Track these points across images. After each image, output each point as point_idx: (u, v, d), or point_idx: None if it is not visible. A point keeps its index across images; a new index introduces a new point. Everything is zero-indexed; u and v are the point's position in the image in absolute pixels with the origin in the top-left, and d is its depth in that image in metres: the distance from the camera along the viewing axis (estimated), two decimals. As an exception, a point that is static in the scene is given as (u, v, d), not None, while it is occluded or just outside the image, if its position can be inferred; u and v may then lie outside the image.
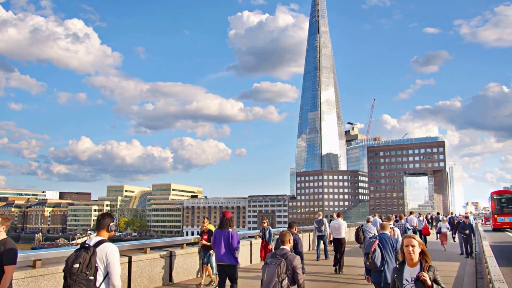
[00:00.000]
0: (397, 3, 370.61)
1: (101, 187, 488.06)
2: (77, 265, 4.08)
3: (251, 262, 13.93)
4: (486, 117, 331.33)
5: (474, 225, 21.17)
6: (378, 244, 6.64)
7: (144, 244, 10.15)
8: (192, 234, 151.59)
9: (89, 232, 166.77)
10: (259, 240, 14.01)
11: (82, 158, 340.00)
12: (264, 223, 13.75)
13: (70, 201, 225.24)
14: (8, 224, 5.17)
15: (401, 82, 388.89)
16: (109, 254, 4.21)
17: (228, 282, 7.87)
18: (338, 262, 12.84)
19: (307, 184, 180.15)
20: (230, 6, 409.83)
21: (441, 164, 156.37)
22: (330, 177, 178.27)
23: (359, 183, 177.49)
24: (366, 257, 6.80)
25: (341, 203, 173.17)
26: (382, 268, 6.52)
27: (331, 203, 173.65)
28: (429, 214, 38.47)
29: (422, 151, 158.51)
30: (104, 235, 4.47)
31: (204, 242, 10.35)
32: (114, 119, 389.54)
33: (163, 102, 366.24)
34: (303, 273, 5.53)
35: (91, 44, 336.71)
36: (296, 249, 7.72)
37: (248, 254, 13.98)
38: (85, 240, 4.46)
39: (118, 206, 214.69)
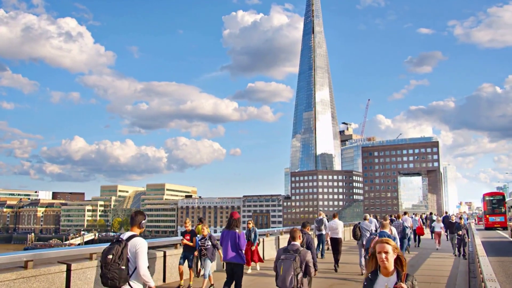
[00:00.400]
0: (392, 4, 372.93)
1: (94, 187, 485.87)
2: (110, 256, 4.68)
3: (223, 267, 12.69)
4: (480, 117, 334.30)
5: (467, 225, 21.28)
6: None
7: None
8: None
9: (82, 232, 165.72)
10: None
11: (75, 158, 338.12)
12: (250, 224, 13.20)
13: (63, 201, 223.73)
14: None
15: (395, 82, 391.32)
16: (138, 247, 4.77)
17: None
18: (335, 260, 13.40)
19: (301, 184, 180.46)
20: (225, 5, 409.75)
21: (435, 164, 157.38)
22: (325, 177, 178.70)
23: (354, 183, 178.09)
24: (366, 252, 7.38)
25: (335, 203, 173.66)
26: None
27: (325, 203, 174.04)
28: (423, 214, 39.50)
29: (416, 151, 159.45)
30: (136, 230, 5.04)
31: (185, 241, 10.15)
32: (108, 118, 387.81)
33: (157, 102, 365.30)
34: (315, 270, 6.37)
35: (84, 43, 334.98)
36: (310, 247, 8.12)
37: (218, 258, 13.05)
38: (119, 234, 5.10)
39: (111, 206, 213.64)
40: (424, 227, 25.61)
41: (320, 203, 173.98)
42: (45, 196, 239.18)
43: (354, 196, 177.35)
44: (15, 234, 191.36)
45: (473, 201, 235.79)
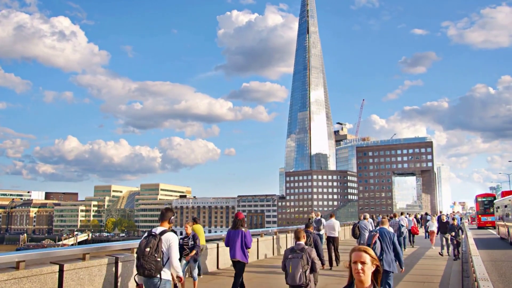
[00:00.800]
0: (386, 4, 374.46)
1: (88, 187, 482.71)
2: (148, 249, 5.35)
3: (217, 267, 12.83)
4: (473, 118, 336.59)
5: (461, 225, 21.36)
6: (378, 237, 7.66)
7: (132, 244, 10.05)
8: (181, 234, 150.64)
9: (75, 232, 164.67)
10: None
11: (69, 158, 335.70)
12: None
13: (56, 202, 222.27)
14: None
15: (390, 82, 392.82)
16: (171, 241, 5.51)
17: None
18: (331, 257, 13.91)
19: (296, 184, 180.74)
20: (219, 5, 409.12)
21: (429, 164, 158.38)
22: (319, 177, 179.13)
23: (348, 183, 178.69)
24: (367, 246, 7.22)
25: (330, 203, 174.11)
26: (381, 258, 7.50)
27: (320, 203, 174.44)
28: (418, 214, 40.87)
29: (411, 151, 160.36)
30: (166, 225, 5.75)
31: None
32: (102, 118, 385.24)
33: (151, 102, 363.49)
34: (322, 264, 7.31)
35: (78, 42, 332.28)
36: (317, 246, 8.65)
37: (215, 259, 12.83)
38: (151, 230, 5.71)
39: (105, 206, 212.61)
40: (418, 226, 26.06)
41: (315, 203, 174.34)
42: (38, 196, 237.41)
43: (349, 196, 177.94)
44: (7, 234, 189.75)
45: (466, 201, 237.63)
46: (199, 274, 10.84)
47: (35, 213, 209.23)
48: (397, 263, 7.86)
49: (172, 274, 5.60)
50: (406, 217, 22.74)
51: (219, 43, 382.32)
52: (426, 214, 37.50)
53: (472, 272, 9.81)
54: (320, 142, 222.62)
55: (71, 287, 7.77)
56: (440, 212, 33.09)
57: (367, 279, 2.91)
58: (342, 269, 13.11)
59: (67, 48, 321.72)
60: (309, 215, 18.47)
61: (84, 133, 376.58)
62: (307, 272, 6.08)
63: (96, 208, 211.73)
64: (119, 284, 8.97)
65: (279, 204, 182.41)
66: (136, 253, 5.62)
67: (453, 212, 65.73)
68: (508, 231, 22.88)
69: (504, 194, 30.86)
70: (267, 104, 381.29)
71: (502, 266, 14.61)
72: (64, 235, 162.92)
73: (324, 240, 15.72)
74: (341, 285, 10.82)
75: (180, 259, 9.14)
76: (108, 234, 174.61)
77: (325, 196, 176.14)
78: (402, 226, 17.80)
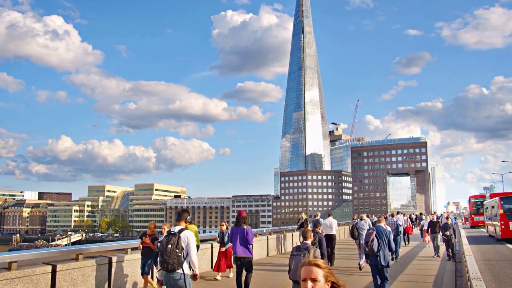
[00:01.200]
0: (380, 5, 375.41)
1: (82, 187, 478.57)
2: (170, 246, 5.99)
3: (212, 268, 12.53)
4: (467, 118, 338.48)
5: (455, 225, 21.49)
6: (375, 234, 8.14)
7: (126, 244, 10.03)
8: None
9: (69, 233, 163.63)
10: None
11: (62, 158, 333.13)
12: (223, 225, 12.25)
13: (50, 202, 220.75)
14: None
15: (384, 83, 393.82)
16: (189, 238, 6.13)
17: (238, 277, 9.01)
18: (329, 256, 14.18)
19: (291, 184, 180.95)
20: (214, 5, 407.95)
21: (423, 164, 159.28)
22: (314, 177, 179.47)
23: (343, 183, 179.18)
24: (366, 245, 8.28)
25: (325, 203, 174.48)
26: (378, 253, 8.04)
27: (315, 203, 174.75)
28: (412, 214, 42.11)
29: (405, 151, 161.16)
30: (183, 224, 6.44)
31: (145, 244, 9.28)
32: (95, 118, 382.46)
33: (145, 101, 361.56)
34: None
35: (71, 42, 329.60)
36: (321, 245, 9.13)
37: (209, 259, 12.75)
38: (170, 229, 6.40)
39: (99, 207, 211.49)
40: (413, 226, 26.47)
41: (310, 203, 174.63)
42: (31, 196, 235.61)
43: (343, 196, 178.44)
44: None
45: (460, 201, 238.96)
46: None
47: (28, 213, 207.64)
48: (392, 257, 8.50)
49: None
50: (401, 216, 23.39)
51: (213, 43, 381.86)
52: (421, 214, 38.32)
53: (465, 272, 9.87)
54: (315, 142, 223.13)
55: (64, 288, 7.72)
56: (434, 212, 33.83)
57: None
58: (345, 267, 13.58)
59: (60, 47, 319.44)
60: (299, 215, 18.57)
61: (78, 133, 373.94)
62: None
63: (90, 208, 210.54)
64: (112, 284, 8.92)
65: (274, 204, 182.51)
66: (159, 250, 6.25)
67: (447, 212, 66.27)
68: (495, 229, 25.56)
69: (492, 196, 32.51)
70: (262, 104, 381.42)
71: (495, 266, 14.71)
72: (58, 235, 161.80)
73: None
74: (346, 280, 11.02)
75: (156, 263, 8.66)
76: (102, 234, 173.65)
77: (320, 196, 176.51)
78: (400, 225, 18.52)
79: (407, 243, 22.19)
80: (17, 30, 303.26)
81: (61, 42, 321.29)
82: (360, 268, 13.09)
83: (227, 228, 12.11)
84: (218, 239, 12.15)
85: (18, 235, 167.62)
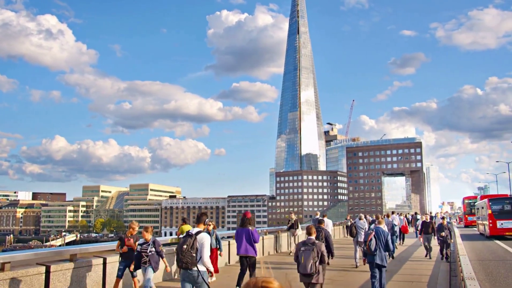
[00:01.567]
0: (375, 6, 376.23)
1: (76, 187, 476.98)
2: (185, 246, 6.40)
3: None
4: (461, 118, 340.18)
5: (450, 225, 21.49)
6: (374, 235, 8.57)
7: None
8: (171, 234, 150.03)
9: (63, 233, 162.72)
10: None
11: (56, 158, 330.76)
12: (210, 225, 11.21)
13: (44, 202, 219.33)
14: None
15: (379, 83, 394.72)
16: (204, 240, 6.49)
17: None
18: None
19: (286, 184, 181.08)
20: (209, 5, 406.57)
21: (418, 164, 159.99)
22: (310, 177, 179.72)
23: (338, 183, 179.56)
24: (364, 244, 8.78)
25: (320, 203, 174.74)
26: (375, 253, 8.46)
27: (310, 203, 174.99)
28: (407, 214, 43.47)
29: (400, 151, 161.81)
30: (201, 227, 6.84)
31: (127, 246, 8.67)
32: (90, 118, 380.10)
33: (140, 101, 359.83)
34: (332, 256, 9.00)
35: (65, 41, 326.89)
36: (328, 241, 9.58)
37: None
38: (189, 230, 6.76)
39: (94, 207, 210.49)
40: (408, 226, 26.82)
41: (305, 203, 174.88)
42: (24, 196, 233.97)
43: (339, 196, 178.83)
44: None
45: (455, 201, 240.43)
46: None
47: (21, 214, 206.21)
48: (389, 256, 9.04)
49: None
50: (396, 216, 23.65)
51: (208, 43, 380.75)
52: (416, 213, 38.86)
53: (459, 272, 9.92)
54: (310, 143, 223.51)
55: (58, 289, 7.67)
56: (430, 212, 34.50)
57: None
58: (342, 265, 13.79)
59: (54, 46, 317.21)
60: (289, 216, 18.59)
61: (72, 132, 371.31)
62: (317, 263, 7.02)
63: (84, 209, 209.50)
64: (107, 284, 8.88)
65: (269, 204, 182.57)
66: (176, 249, 6.74)
67: (442, 212, 66.74)
68: (484, 228, 28.20)
69: (482, 197, 35.15)
70: (257, 104, 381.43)
71: (489, 266, 14.81)
72: (52, 236, 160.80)
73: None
74: (344, 276, 11.39)
75: (137, 268, 8.49)
76: (97, 234, 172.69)
77: (315, 196, 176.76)
78: (395, 225, 19.03)
79: (402, 242, 22.39)
80: (10, 29, 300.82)
81: (55, 42, 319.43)
82: (356, 265, 13.79)
83: (214, 227, 11.36)
84: None
85: (11, 235, 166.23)
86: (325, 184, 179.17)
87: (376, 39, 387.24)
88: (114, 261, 9.12)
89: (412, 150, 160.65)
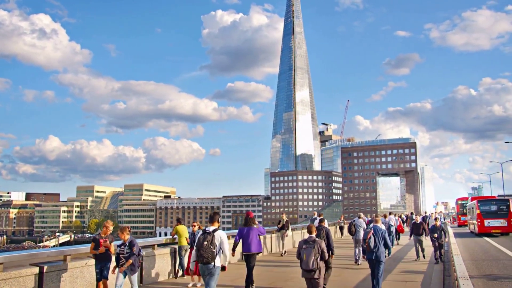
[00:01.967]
0: (370, 6, 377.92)
1: (70, 187, 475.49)
2: (205, 242, 6.98)
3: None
4: (455, 119, 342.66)
5: (443, 226, 21.52)
6: (372, 233, 9.10)
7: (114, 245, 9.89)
8: (166, 235, 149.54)
9: (57, 234, 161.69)
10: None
11: (50, 158, 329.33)
12: (195, 226, 10.90)
13: (38, 202, 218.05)
14: None
15: (374, 83, 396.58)
16: (222, 237, 7.16)
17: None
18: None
19: (281, 184, 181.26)
20: (204, 5, 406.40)
21: (413, 164, 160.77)
22: (305, 177, 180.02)
23: (333, 183, 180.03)
24: (363, 242, 9.25)
25: (315, 203, 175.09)
26: (374, 249, 8.99)
27: (305, 203, 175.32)
28: (402, 214, 44.55)
29: (395, 152, 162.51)
30: (216, 225, 7.43)
31: (104, 247, 8.10)
32: (84, 118, 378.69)
33: (135, 101, 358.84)
34: (332, 254, 9.43)
35: (59, 40, 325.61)
36: (328, 238, 10.06)
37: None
38: (205, 228, 7.31)
39: (88, 207, 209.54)
40: (404, 225, 27.26)
41: (300, 203, 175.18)
42: (18, 197, 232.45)
43: (334, 196, 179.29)
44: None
45: (449, 201, 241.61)
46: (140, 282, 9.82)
47: (15, 214, 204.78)
48: (386, 252, 9.64)
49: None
50: (393, 216, 24.20)
51: (203, 43, 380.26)
52: (411, 213, 39.26)
53: (453, 271, 9.99)
54: (305, 143, 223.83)
55: (51, 290, 7.62)
56: (425, 212, 35.21)
57: None
58: (341, 263, 13.48)
59: (48, 46, 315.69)
60: (280, 216, 18.47)
61: (66, 132, 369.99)
62: (318, 259, 7.49)
63: (78, 209, 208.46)
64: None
65: (264, 204, 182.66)
66: (196, 245, 7.20)
67: (436, 212, 67.03)
68: (474, 226, 31.18)
69: (473, 199, 37.59)
70: (252, 105, 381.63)
71: (482, 265, 14.93)
72: (46, 236, 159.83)
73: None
74: (344, 273, 11.90)
75: (115, 269, 8.03)
76: (91, 235, 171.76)
77: (310, 197, 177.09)
78: (392, 225, 19.88)
79: (397, 241, 22.98)
80: (3, 28, 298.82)
81: (49, 41, 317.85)
82: (355, 262, 14.57)
83: (199, 228, 10.75)
84: (189, 240, 10.97)
85: (4, 236, 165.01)
86: (320, 184, 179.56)
87: (370, 39, 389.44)
88: (108, 261, 9.05)
89: (406, 151, 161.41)
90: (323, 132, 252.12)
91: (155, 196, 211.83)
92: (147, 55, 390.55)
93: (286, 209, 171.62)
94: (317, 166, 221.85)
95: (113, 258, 8.25)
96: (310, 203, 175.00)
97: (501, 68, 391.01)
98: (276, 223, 18.55)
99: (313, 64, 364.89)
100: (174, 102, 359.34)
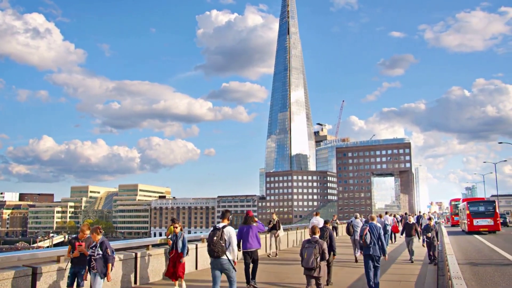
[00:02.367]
0: (364, 7, 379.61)
1: (64, 188, 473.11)
2: (215, 238, 7.43)
3: (196, 268, 12.35)
4: (449, 119, 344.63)
5: (437, 226, 21.63)
6: (368, 229, 9.57)
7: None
8: (160, 235, 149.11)
9: (51, 234, 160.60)
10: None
11: (44, 158, 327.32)
12: (177, 227, 10.01)
13: (31, 203, 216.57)
14: None
15: (369, 84, 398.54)
16: (230, 232, 7.64)
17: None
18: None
19: (276, 185, 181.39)
20: (198, 5, 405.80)
21: (407, 165, 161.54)
22: (300, 177, 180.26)
23: (328, 184, 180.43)
24: (360, 238, 9.79)
25: (310, 203, 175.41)
26: (370, 245, 9.46)
27: (300, 203, 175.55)
28: (397, 214, 44.94)
29: (389, 152, 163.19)
30: (226, 222, 7.93)
31: (79, 251, 7.57)
32: (78, 117, 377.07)
33: (129, 101, 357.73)
34: (334, 255, 10.19)
35: (53, 40, 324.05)
36: (331, 239, 10.32)
37: (193, 260, 12.31)
38: (216, 225, 7.65)
39: (82, 207, 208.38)
40: (399, 225, 27.35)
41: (295, 203, 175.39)
42: (11, 197, 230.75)
43: (329, 196, 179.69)
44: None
45: (443, 201, 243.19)
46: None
47: (8, 215, 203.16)
48: (383, 254, 9.73)
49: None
50: (389, 216, 24.49)
51: (198, 43, 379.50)
52: (406, 214, 39.50)
53: (446, 271, 10.06)
54: (300, 143, 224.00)
55: (45, 291, 7.57)
56: (419, 212, 35.99)
57: None
58: (341, 260, 13.70)
59: (42, 45, 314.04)
60: (271, 216, 18.25)
61: (60, 132, 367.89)
62: (318, 259, 7.97)
63: (72, 209, 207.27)
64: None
65: (259, 204, 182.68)
66: (207, 241, 7.68)
67: (430, 212, 67.49)
68: (465, 225, 34.11)
69: (464, 200, 40.56)
70: (247, 105, 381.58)
71: (476, 265, 15.06)
72: (39, 237, 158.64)
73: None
74: (344, 270, 12.44)
75: (89, 272, 7.48)
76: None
77: (305, 197, 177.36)
78: (387, 225, 20.41)
79: (391, 241, 23.27)
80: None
81: (42, 41, 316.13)
82: (356, 260, 14.90)
83: (181, 229, 10.15)
84: (170, 241, 10.08)
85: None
86: (315, 184, 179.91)
87: (365, 40, 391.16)
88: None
89: (401, 151, 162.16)
90: (318, 132, 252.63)
91: (150, 196, 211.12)
92: (141, 55, 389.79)
93: (281, 209, 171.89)
94: (312, 166, 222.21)
95: None
96: (305, 203, 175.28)
97: (494, 69, 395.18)
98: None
99: (308, 64, 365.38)
100: (168, 102, 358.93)
